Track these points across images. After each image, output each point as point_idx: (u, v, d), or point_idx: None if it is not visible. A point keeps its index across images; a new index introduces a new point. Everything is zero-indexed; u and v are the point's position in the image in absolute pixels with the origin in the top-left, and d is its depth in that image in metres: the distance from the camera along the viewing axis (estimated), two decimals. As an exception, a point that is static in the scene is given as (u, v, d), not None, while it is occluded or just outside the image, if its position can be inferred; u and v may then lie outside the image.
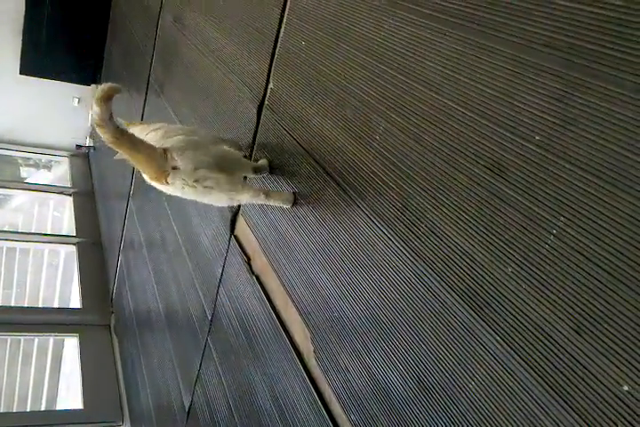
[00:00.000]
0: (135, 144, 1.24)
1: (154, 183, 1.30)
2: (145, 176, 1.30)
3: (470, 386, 0.88)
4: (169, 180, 1.27)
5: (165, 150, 1.27)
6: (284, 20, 1.58)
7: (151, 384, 2.73)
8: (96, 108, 1.16)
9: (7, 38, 4.98)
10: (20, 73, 5.03)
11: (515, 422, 0.81)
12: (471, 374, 0.88)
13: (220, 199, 1.39)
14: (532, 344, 0.79)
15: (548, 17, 0.79)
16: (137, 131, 1.43)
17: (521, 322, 0.81)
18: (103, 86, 1.18)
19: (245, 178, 1.60)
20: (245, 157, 1.61)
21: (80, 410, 3.29)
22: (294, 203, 1.44)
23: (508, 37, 0.85)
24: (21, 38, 4.92)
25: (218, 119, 2.03)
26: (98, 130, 1.19)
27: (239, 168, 1.46)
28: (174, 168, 1.26)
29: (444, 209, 0.96)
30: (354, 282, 1.19)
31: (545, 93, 0.79)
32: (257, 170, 1.54)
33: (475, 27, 0.92)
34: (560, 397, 0.74)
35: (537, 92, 0.80)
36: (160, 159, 1.25)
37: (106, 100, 1.17)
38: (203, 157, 1.31)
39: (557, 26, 0.78)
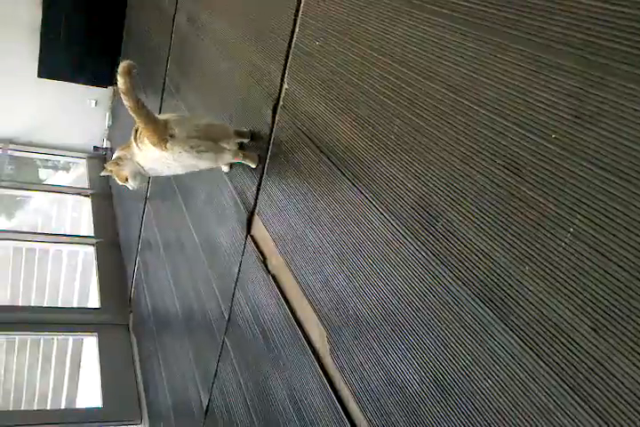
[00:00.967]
0: (148, 115, 1.55)
1: (155, 149, 1.58)
2: (148, 142, 1.57)
3: (487, 384, 0.88)
4: (167, 146, 1.56)
5: (166, 122, 1.60)
6: (299, 21, 1.58)
7: (169, 383, 2.75)
8: (120, 79, 1.47)
9: (25, 42, 5.05)
10: (38, 76, 5.09)
11: (532, 419, 0.81)
12: (488, 372, 0.88)
13: (209, 161, 1.70)
14: (550, 343, 0.79)
15: (565, 15, 0.79)
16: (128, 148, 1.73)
17: (538, 320, 0.81)
18: (123, 63, 1.49)
19: (242, 145, 1.86)
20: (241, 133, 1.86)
21: (99, 408, 3.32)
22: (308, 202, 1.45)
23: (525, 36, 0.85)
24: (39, 42, 4.99)
25: (233, 119, 2.04)
26: (123, 98, 1.49)
27: (222, 133, 1.76)
28: (171, 136, 1.57)
29: (461, 208, 0.96)
30: (369, 281, 1.20)
31: (562, 91, 0.78)
32: (239, 134, 1.82)
33: (491, 25, 0.92)
34: (578, 395, 0.74)
35: (554, 91, 0.80)
36: (162, 128, 1.56)
37: (127, 73, 1.48)
38: (193, 126, 1.64)
39: (574, 23, 0.77)
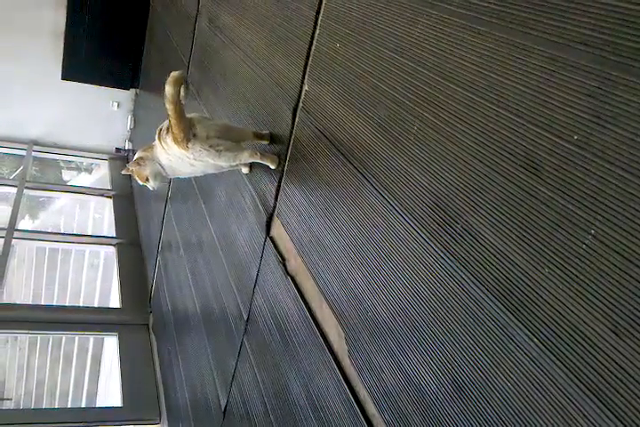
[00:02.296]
0: (181, 113, 1.61)
1: (177, 148, 1.64)
2: (170, 141, 1.64)
3: (506, 386, 0.88)
4: (189, 145, 1.63)
5: (191, 120, 1.66)
6: (319, 23, 1.59)
7: (188, 383, 2.77)
8: (168, 88, 1.56)
9: (49, 45, 5.14)
10: (62, 78, 5.18)
11: (550, 423, 0.80)
12: (507, 375, 0.88)
13: (228, 160, 1.73)
14: (569, 345, 0.78)
15: (582, 14, 0.78)
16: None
17: (557, 323, 0.80)
18: (174, 73, 1.56)
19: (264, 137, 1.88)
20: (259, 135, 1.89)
21: (119, 408, 3.36)
22: (327, 204, 1.45)
23: (543, 35, 0.85)
24: (63, 45, 5.07)
25: (253, 121, 2.05)
26: (166, 104, 1.57)
27: (241, 134, 1.83)
28: (194, 135, 1.63)
29: (479, 209, 0.96)
30: (387, 282, 1.20)
31: (581, 91, 0.78)
32: (258, 136, 1.85)
33: (509, 25, 0.91)
34: (598, 399, 0.73)
35: (573, 90, 0.79)
36: (188, 128, 1.62)
37: (176, 83, 1.56)
38: (213, 126, 1.70)
39: (593, 23, 0.77)
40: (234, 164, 1.78)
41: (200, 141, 1.64)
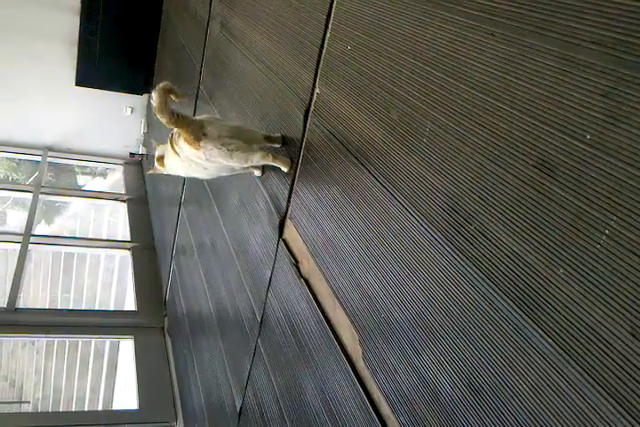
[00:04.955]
0: (184, 120, 1.64)
1: (189, 148, 1.67)
2: (182, 141, 1.67)
3: (521, 388, 0.87)
4: (201, 144, 1.64)
5: (201, 122, 1.68)
6: (330, 26, 1.59)
7: (203, 385, 2.78)
8: (156, 98, 1.57)
9: (63, 52, 5.20)
10: (76, 84, 5.23)
11: (567, 423, 0.79)
12: (522, 376, 0.87)
13: (240, 160, 1.73)
14: (586, 347, 0.78)
15: (596, 14, 0.78)
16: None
17: (574, 324, 0.80)
18: (160, 84, 1.58)
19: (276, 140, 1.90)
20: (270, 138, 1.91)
21: (135, 410, 3.38)
22: (340, 206, 1.45)
23: (555, 35, 0.84)
24: (76, 51, 5.13)
25: (265, 124, 2.06)
26: (158, 115, 1.58)
27: (252, 136, 1.82)
28: (204, 134, 1.65)
29: (493, 210, 0.96)
30: (401, 284, 1.20)
31: (594, 91, 0.78)
32: (269, 139, 1.87)
33: (521, 26, 0.91)
34: (615, 400, 0.73)
35: (586, 90, 0.79)
36: (197, 128, 1.65)
37: (163, 93, 1.57)
38: (224, 127, 1.71)
39: (605, 22, 0.76)
40: (246, 165, 1.78)
41: (211, 140, 1.65)
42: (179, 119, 1.62)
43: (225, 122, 1.81)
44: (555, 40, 0.84)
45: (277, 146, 1.87)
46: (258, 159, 1.75)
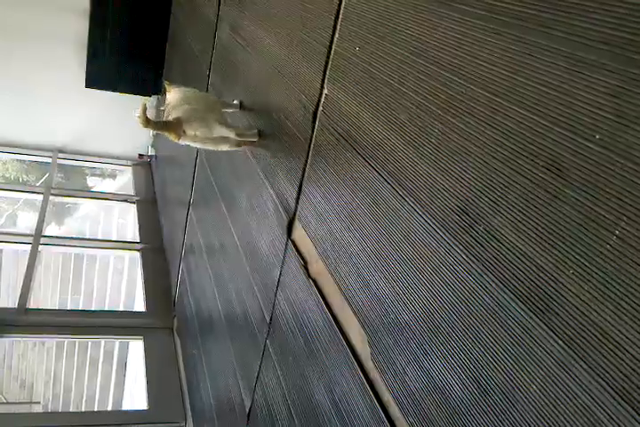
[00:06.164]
0: (166, 126, 2.07)
1: (177, 140, 2.08)
2: (171, 137, 2.07)
3: (531, 389, 0.87)
4: (181, 140, 2.08)
5: (180, 122, 2.06)
6: (338, 27, 1.60)
7: (213, 385, 2.79)
8: (138, 118, 2.01)
9: (73, 54, 5.23)
10: (86, 86, 5.26)
11: (577, 425, 0.79)
12: (532, 377, 0.87)
13: (211, 148, 2.24)
14: (595, 348, 0.77)
15: (605, 13, 0.78)
16: (171, 93, 2.32)
17: (583, 325, 0.79)
18: (139, 108, 1.99)
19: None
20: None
21: (145, 410, 3.39)
22: (348, 207, 1.45)
23: (565, 35, 0.84)
24: (86, 54, 5.16)
25: (273, 126, 2.07)
26: (141, 124, 1.99)
27: (223, 120, 2.22)
28: (184, 131, 2.06)
29: (502, 211, 0.95)
30: (410, 284, 1.19)
31: (604, 91, 0.77)
32: (242, 135, 2.23)
33: (529, 25, 0.91)
34: (625, 401, 0.73)
35: (596, 90, 0.79)
36: (178, 128, 2.05)
37: (143, 112, 2.00)
38: (197, 125, 2.09)
39: (615, 22, 0.76)
40: (217, 150, 2.28)
41: (188, 138, 2.10)
42: (162, 126, 2.07)
43: (202, 113, 2.16)
44: (564, 40, 0.84)
45: (254, 140, 2.23)
46: (227, 148, 2.24)
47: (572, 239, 0.82)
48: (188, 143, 2.14)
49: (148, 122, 2.01)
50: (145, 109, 1.99)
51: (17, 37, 5.09)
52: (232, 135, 2.20)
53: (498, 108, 0.97)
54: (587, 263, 0.79)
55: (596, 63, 0.79)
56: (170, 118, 2.12)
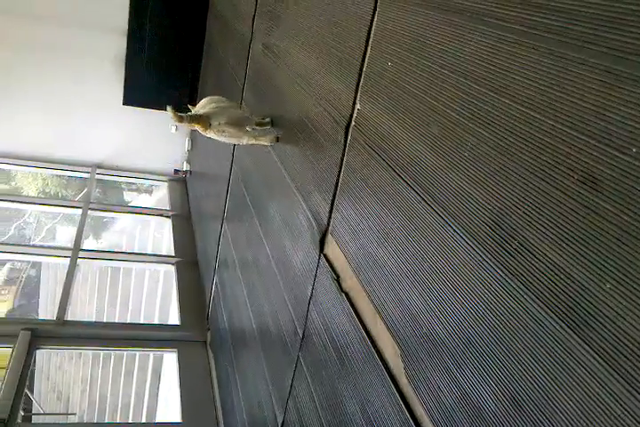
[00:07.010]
0: (195, 118, 2.34)
1: (204, 132, 2.38)
2: (199, 129, 2.36)
3: (567, 405, 0.86)
4: (207, 132, 2.37)
5: (208, 116, 2.35)
6: (370, 42, 1.62)
7: (245, 399, 2.80)
8: (172, 117, 2.28)
9: (111, 73, 5.39)
10: (124, 104, 5.41)
11: (617, 443, 0.77)
12: (568, 393, 0.86)
13: (234, 142, 2.55)
14: (635, 364, 0.76)
15: (639, 26, 0.77)
16: (204, 100, 2.56)
17: (621, 340, 0.78)
18: (170, 112, 2.26)
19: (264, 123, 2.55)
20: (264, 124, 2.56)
21: (179, 423, 3.42)
22: (382, 222, 1.46)
23: (601, 49, 0.84)
24: (124, 73, 5.31)
25: (306, 141, 2.09)
26: (175, 120, 2.28)
27: (245, 123, 2.47)
28: (210, 124, 2.34)
29: (537, 225, 0.95)
30: (444, 299, 1.19)
31: (640, 104, 0.77)
32: (260, 124, 2.52)
33: (564, 39, 0.91)
34: (667, 419, 0.71)
35: (632, 103, 0.78)
36: (205, 122, 2.34)
37: (173, 112, 2.25)
38: (224, 118, 2.38)
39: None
40: (239, 144, 2.56)
41: (213, 130, 2.37)
42: (190, 119, 2.32)
43: (227, 111, 2.45)
44: (599, 53, 0.84)
45: (268, 127, 2.54)
46: (246, 141, 2.49)
47: (608, 253, 0.81)
48: (212, 136, 2.41)
49: (180, 117, 2.29)
50: (174, 109, 2.25)
51: (59, 56, 5.28)
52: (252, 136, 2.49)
53: (532, 122, 0.97)
54: (624, 277, 0.78)
55: (632, 76, 0.78)
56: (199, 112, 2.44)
